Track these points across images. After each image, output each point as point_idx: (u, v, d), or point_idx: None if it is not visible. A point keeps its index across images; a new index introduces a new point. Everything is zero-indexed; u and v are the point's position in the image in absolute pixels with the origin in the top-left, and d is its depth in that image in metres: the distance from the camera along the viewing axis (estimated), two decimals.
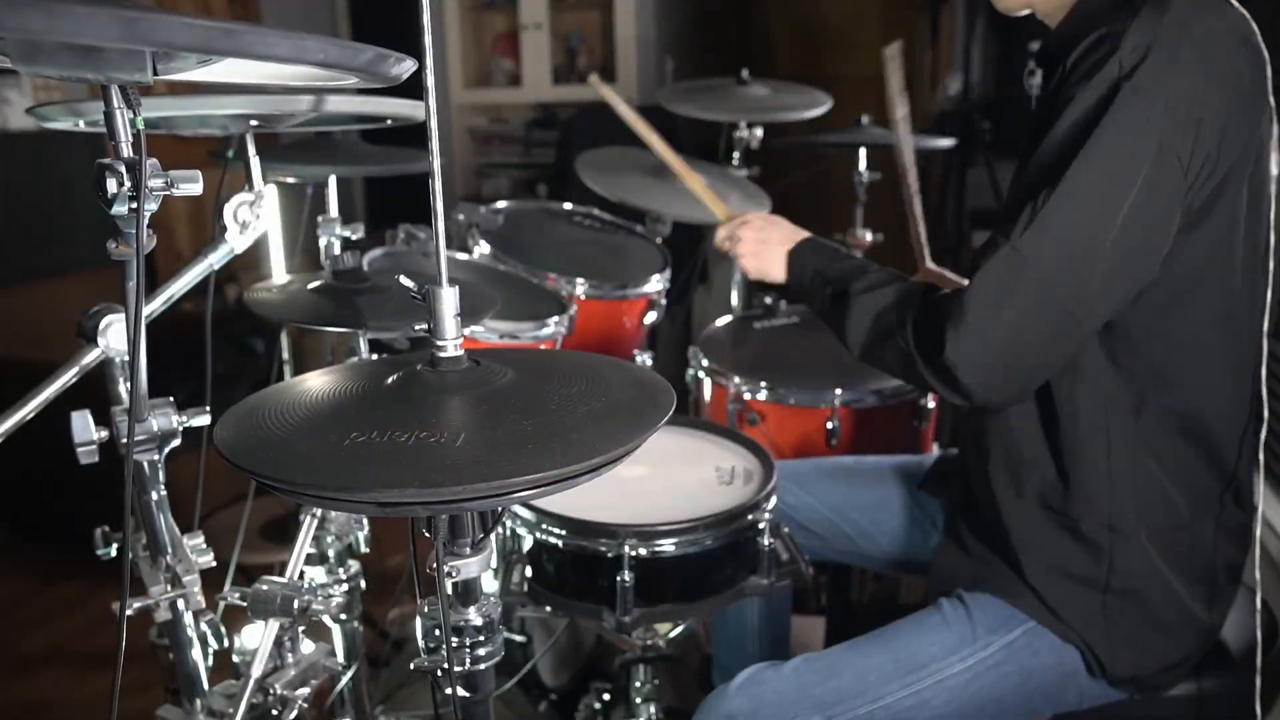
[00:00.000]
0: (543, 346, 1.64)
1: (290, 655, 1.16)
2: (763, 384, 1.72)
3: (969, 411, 1.21)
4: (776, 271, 1.32)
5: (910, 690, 1.11)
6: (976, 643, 1.14)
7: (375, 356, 1.17)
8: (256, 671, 1.11)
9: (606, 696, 1.65)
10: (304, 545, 1.20)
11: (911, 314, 1.08)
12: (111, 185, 0.75)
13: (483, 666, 0.78)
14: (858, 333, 1.15)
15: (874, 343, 1.14)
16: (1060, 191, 0.96)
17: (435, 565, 0.73)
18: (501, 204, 2.02)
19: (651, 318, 1.95)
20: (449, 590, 0.75)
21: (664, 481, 1.38)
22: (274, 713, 1.12)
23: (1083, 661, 1.14)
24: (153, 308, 0.95)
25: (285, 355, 1.77)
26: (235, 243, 1.00)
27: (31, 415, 0.91)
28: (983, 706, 1.13)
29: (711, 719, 1.12)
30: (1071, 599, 1.13)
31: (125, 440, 0.89)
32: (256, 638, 1.13)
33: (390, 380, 0.71)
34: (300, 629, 1.16)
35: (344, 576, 1.38)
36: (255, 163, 1.09)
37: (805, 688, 1.11)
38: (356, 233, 1.59)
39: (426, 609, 0.77)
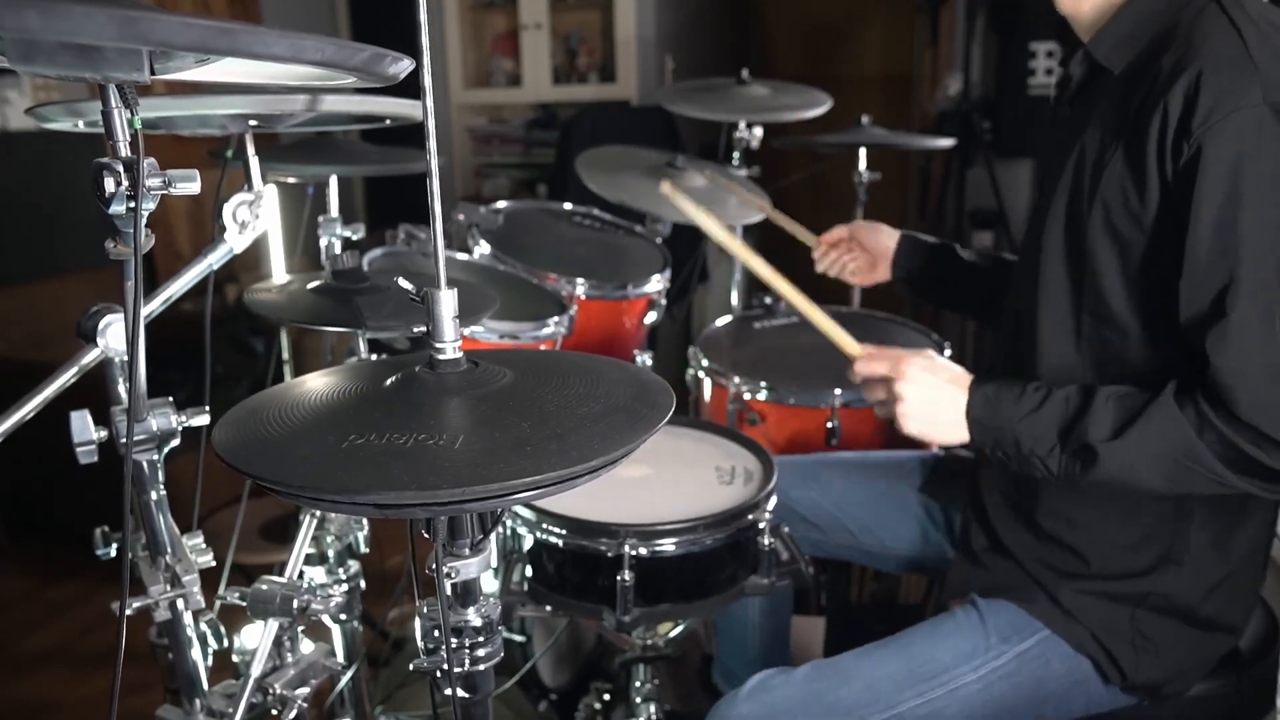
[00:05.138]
0: (542, 347, 1.64)
1: (290, 655, 1.16)
2: (763, 384, 1.72)
3: None
4: (954, 437, 1.12)
5: (923, 699, 1.10)
6: (989, 651, 1.13)
7: (375, 357, 1.17)
8: (256, 671, 1.10)
9: (606, 696, 1.65)
10: (303, 545, 1.20)
11: (1206, 437, 0.96)
12: (109, 184, 0.75)
13: (482, 667, 0.78)
14: (1150, 480, 1.01)
15: (1176, 478, 1.00)
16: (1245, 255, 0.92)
17: (435, 566, 0.73)
18: (501, 204, 2.02)
19: (651, 318, 1.95)
20: (448, 591, 0.75)
21: (664, 481, 1.38)
22: (274, 713, 1.12)
23: (1096, 670, 1.14)
24: (152, 308, 0.95)
25: (285, 355, 1.77)
26: (235, 243, 1.00)
27: (31, 415, 0.91)
28: (995, 716, 1.12)
29: None
30: (1096, 610, 1.13)
31: (125, 440, 0.89)
32: (256, 638, 1.12)
33: (389, 382, 0.71)
34: (300, 629, 1.16)
35: (344, 576, 1.38)
36: (255, 163, 1.08)
37: (817, 694, 1.10)
38: (357, 233, 1.59)
39: (426, 609, 0.77)
